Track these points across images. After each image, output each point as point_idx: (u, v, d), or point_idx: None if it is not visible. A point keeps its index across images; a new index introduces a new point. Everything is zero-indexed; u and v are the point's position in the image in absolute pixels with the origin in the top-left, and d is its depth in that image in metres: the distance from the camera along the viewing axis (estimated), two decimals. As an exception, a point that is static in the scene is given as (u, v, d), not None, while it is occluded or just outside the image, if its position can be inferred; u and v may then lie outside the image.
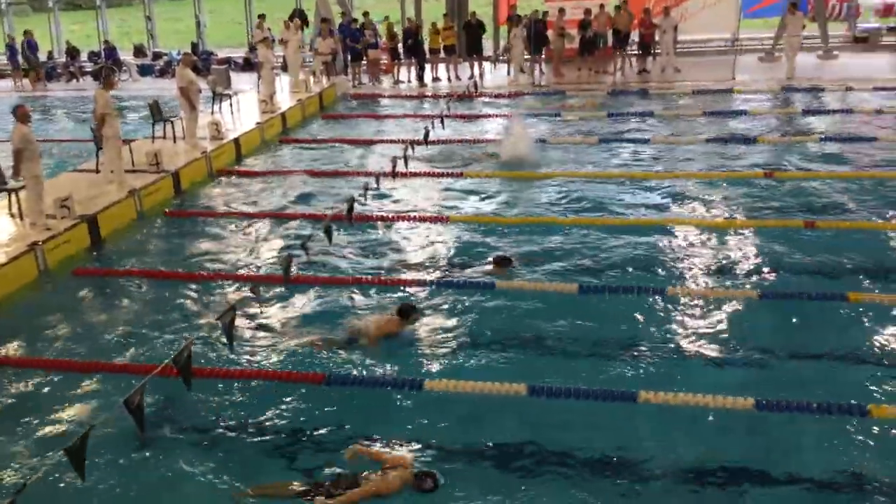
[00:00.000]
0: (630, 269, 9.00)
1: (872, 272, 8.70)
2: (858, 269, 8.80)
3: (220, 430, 6.40)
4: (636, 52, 21.88)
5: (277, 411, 6.60)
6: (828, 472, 5.59)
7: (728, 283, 8.61)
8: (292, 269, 8.34)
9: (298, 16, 23.92)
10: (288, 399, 6.73)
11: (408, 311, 7.72)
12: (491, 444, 6.04)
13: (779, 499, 5.43)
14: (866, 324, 7.58)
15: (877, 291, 8.16)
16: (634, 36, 21.77)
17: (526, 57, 21.40)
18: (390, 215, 11.21)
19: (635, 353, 7.21)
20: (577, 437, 6.04)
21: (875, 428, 6.01)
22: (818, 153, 13.39)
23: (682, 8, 22.33)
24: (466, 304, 8.31)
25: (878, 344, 7.25)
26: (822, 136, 14.18)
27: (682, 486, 5.53)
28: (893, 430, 5.99)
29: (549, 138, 15.17)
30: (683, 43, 22.86)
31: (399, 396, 6.72)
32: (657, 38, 21.20)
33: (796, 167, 12.67)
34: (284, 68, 21.06)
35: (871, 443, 5.88)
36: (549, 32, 21.41)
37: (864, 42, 23.54)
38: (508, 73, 22.20)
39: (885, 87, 17.93)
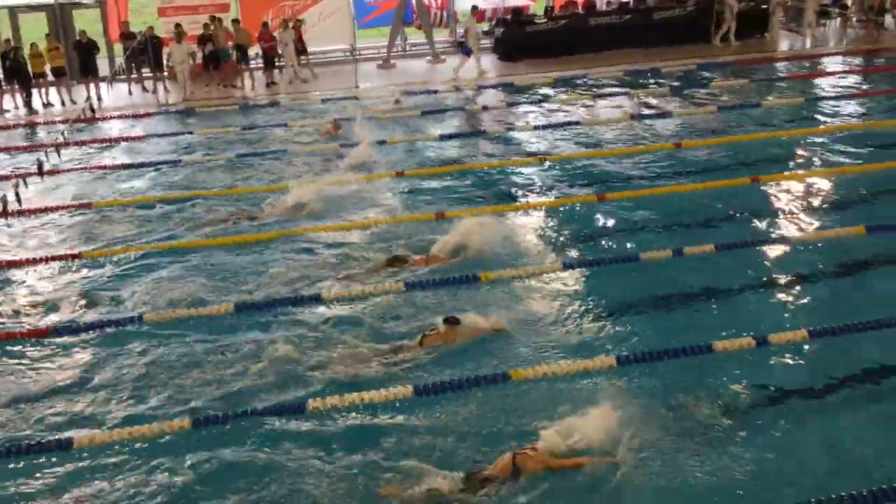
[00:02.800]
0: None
1: (501, 253, 9.64)
2: (488, 251, 9.63)
3: None
4: (261, 65, 21.95)
5: None
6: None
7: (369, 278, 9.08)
8: None
9: None
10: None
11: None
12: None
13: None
14: (501, 299, 8.49)
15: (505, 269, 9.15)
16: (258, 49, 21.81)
17: (146, 75, 20.38)
18: (6, 260, 10.06)
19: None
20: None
21: (515, 390, 6.81)
22: (440, 149, 14.59)
23: (300, 20, 22.88)
24: (110, 345, 7.76)
25: (511, 315, 8.11)
26: (441, 135, 15.46)
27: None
28: (528, 389, 6.80)
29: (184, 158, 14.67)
30: (311, 54, 23.36)
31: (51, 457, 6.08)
32: (280, 50, 21.49)
33: (424, 164, 13.66)
34: None
35: (513, 404, 6.63)
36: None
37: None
38: (130, 92, 21.00)
39: (486, 86, 20.12)
